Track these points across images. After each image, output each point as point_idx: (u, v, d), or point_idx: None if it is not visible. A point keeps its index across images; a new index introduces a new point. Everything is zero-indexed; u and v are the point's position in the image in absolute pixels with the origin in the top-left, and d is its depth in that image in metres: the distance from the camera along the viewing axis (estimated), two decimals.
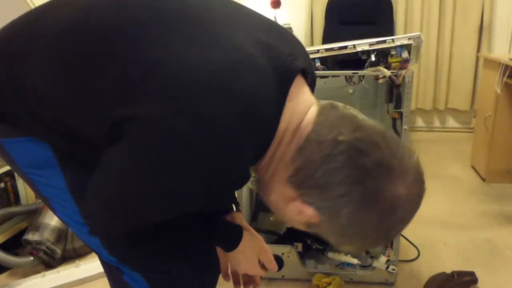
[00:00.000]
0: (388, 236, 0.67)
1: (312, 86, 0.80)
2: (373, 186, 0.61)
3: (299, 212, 0.67)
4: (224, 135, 0.59)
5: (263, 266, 0.91)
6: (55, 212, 0.79)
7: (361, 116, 0.68)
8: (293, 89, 0.67)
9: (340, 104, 0.70)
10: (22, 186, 1.93)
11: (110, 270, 0.82)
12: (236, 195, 0.98)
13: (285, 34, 0.77)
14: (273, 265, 0.90)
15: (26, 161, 0.75)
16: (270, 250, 0.91)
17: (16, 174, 1.89)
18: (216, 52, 0.62)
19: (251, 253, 0.88)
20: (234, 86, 0.60)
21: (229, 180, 0.63)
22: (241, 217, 0.92)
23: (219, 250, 0.89)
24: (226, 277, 0.94)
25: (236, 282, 0.95)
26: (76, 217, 0.75)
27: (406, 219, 0.65)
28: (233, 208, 0.93)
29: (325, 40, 3.38)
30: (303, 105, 0.69)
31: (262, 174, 0.73)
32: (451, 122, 3.80)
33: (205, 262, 0.85)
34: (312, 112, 0.68)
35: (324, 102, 0.71)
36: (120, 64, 0.62)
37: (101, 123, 0.64)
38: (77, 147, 0.72)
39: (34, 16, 0.73)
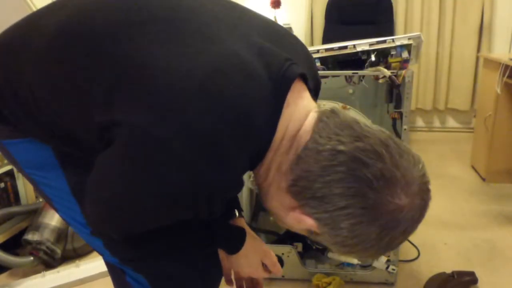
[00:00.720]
0: (391, 247, 0.65)
1: (316, 90, 0.78)
2: (374, 199, 0.59)
3: (299, 222, 0.66)
4: (210, 145, 0.57)
5: (266, 269, 0.89)
6: (58, 212, 0.79)
7: (363, 122, 0.65)
8: (290, 95, 0.65)
9: (341, 110, 0.67)
10: (22, 186, 1.93)
11: (113, 271, 0.82)
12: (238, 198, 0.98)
13: (286, 37, 0.74)
14: (277, 268, 0.88)
15: (28, 162, 0.75)
16: (274, 254, 0.90)
17: (16, 174, 1.89)
18: (206, 57, 0.60)
19: (254, 256, 0.86)
20: (224, 93, 0.58)
21: (216, 189, 0.61)
22: (243, 223, 0.91)
23: (222, 256, 0.87)
24: (229, 282, 0.93)
25: (239, 287, 0.94)
26: (78, 218, 0.75)
27: (408, 230, 0.63)
28: (235, 214, 0.91)
29: (325, 40, 3.38)
30: (301, 112, 0.66)
31: (261, 181, 0.71)
32: (451, 122, 3.80)
33: (207, 266, 0.84)
34: (311, 119, 0.66)
35: (325, 107, 0.68)
36: (108, 68, 0.61)
37: (92, 127, 0.64)
38: (77, 149, 0.72)
39: (34, 18, 0.73)
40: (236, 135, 0.58)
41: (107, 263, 0.82)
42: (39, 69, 0.66)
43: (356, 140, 0.60)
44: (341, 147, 0.60)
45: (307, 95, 0.70)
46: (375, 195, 0.59)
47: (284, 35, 0.74)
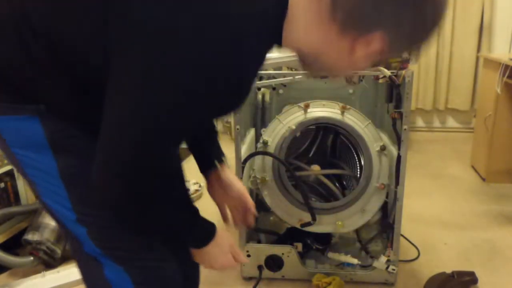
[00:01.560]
0: (441, 21, 0.71)
1: None
2: None
3: (368, 45, 0.69)
4: (226, 24, 0.62)
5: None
6: (40, 197, 0.76)
7: None
8: None
9: None
10: (22, 186, 1.93)
11: (89, 266, 0.80)
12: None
13: None
14: (241, 257, 0.90)
15: (16, 141, 0.72)
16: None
17: (16, 174, 1.89)
18: None
19: (226, 245, 0.87)
20: None
21: (246, 70, 0.68)
22: (227, 170, 0.97)
23: None
24: (226, 220, 1.01)
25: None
26: (65, 203, 0.73)
27: None
28: (216, 165, 0.97)
29: None
30: None
31: (308, 47, 0.74)
32: (451, 122, 3.80)
33: (189, 258, 0.86)
34: None
35: None
36: None
37: (99, 38, 0.65)
38: (80, 105, 0.71)
39: None
40: (248, 13, 0.64)
41: (83, 258, 0.80)
42: None
43: None
44: None
45: None
46: None
47: None
